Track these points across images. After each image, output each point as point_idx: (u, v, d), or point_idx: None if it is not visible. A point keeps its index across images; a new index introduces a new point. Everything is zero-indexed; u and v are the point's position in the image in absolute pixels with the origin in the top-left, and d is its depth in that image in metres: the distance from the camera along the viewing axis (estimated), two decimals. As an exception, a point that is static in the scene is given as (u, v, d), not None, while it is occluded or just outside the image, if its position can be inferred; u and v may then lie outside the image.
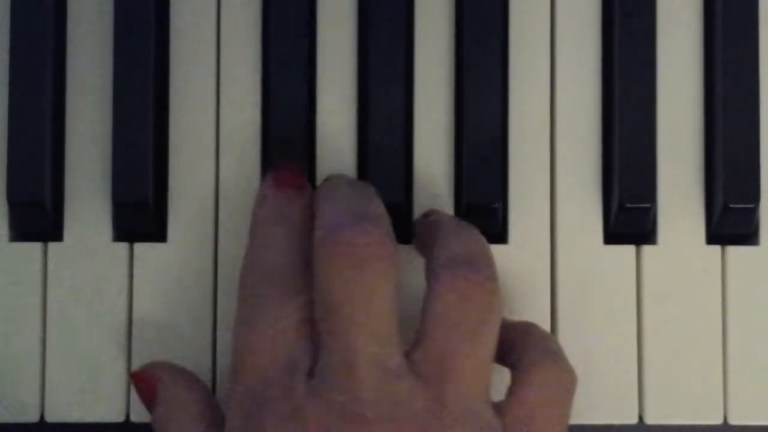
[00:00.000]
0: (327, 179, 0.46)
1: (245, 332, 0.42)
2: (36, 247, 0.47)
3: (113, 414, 0.46)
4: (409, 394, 0.40)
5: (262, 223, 0.44)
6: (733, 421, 0.47)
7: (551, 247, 0.47)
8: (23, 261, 0.47)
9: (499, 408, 0.42)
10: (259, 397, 0.40)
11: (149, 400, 0.45)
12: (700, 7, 0.48)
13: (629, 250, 0.47)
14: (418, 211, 0.47)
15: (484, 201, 0.46)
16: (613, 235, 0.47)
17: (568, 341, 0.47)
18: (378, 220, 0.42)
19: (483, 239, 0.44)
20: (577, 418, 0.47)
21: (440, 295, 0.41)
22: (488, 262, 0.43)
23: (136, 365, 0.46)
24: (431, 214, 0.47)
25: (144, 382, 0.45)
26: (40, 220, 0.46)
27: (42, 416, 0.46)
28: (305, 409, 0.39)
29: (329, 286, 0.40)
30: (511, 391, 0.42)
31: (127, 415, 0.46)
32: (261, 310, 0.42)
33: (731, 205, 0.46)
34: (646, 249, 0.47)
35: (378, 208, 0.43)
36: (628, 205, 0.46)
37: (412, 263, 0.46)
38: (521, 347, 0.43)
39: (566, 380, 0.43)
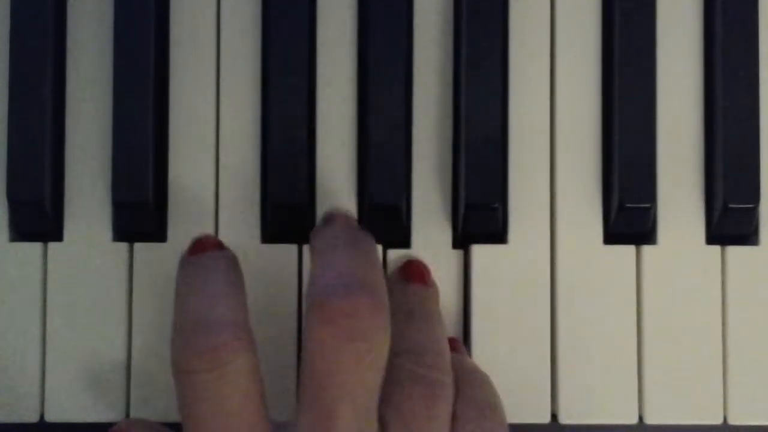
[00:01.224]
0: (327, 219, 0.44)
1: (189, 415, 0.39)
2: (36, 247, 0.47)
3: (113, 414, 0.46)
4: None
5: (181, 285, 0.42)
6: (733, 421, 0.47)
7: (551, 247, 0.47)
8: (23, 261, 0.47)
9: None
10: None
11: None
12: (700, 7, 0.48)
13: (629, 250, 0.47)
14: (417, 211, 0.47)
15: (484, 201, 0.46)
16: (613, 235, 0.47)
17: (568, 341, 0.47)
18: (373, 287, 0.40)
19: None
20: (577, 418, 0.47)
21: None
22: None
23: (136, 365, 0.47)
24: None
25: None
26: (40, 220, 0.46)
27: (42, 416, 0.47)
28: None
29: (318, 352, 0.39)
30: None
31: (127, 415, 0.46)
32: (196, 389, 0.39)
33: (731, 205, 0.46)
34: (646, 249, 0.47)
35: (375, 271, 0.41)
36: (628, 205, 0.46)
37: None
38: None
39: (498, 421, 0.43)
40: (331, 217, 0.44)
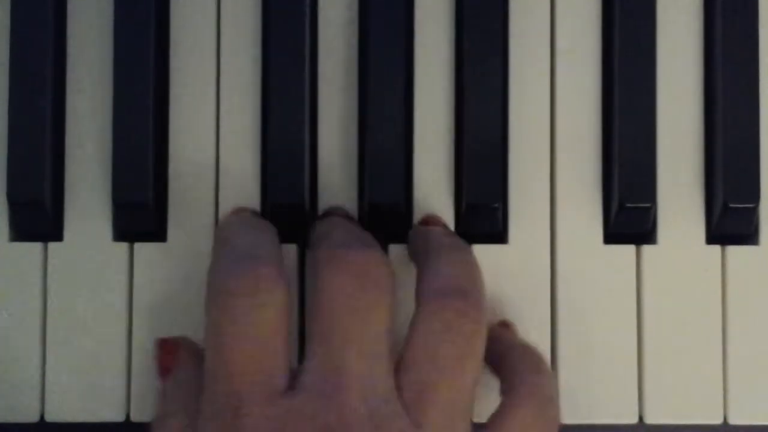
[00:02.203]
0: (327, 215, 0.47)
1: (218, 336, 0.41)
2: (36, 247, 0.47)
3: (113, 414, 0.46)
4: (392, 419, 0.40)
5: (224, 227, 0.45)
6: (733, 421, 0.47)
7: (551, 247, 0.47)
8: (23, 261, 0.47)
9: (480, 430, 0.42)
10: (234, 411, 0.40)
11: (165, 368, 0.45)
12: (700, 7, 0.48)
13: (629, 249, 0.47)
14: (417, 211, 0.47)
15: (484, 201, 0.46)
16: (613, 235, 0.47)
17: (568, 341, 0.47)
18: (380, 250, 0.43)
19: (474, 262, 0.44)
20: (577, 418, 0.47)
21: (426, 323, 0.41)
22: (477, 291, 0.43)
23: (136, 365, 0.46)
24: (429, 221, 0.47)
25: (166, 349, 0.45)
26: (40, 220, 0.46)
27: (42, 416, 0.46)
28: (286, 426, 0.39)
29: (330, 299, 0.41)
30: (494, 419, 0.42)
31: (127, 415, 0.46)
32: (231, 311, 0.41)
33: (731, 205, 0.46)
34: (646, 249, 0.47)
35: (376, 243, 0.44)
36: (628, 205, 0.46)
37: (410, 266, 0.46)
38: (511, 375, 0.43)
39: (551, 416, 0.43)
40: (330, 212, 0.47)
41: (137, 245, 0.47)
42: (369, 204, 0.46)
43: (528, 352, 0.45)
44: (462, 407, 0.41)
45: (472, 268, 0.44)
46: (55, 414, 0.46)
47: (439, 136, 0.47)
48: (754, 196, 0.46)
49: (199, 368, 0.43)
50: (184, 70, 0.47)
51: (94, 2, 0.48)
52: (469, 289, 0.42)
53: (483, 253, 0.47)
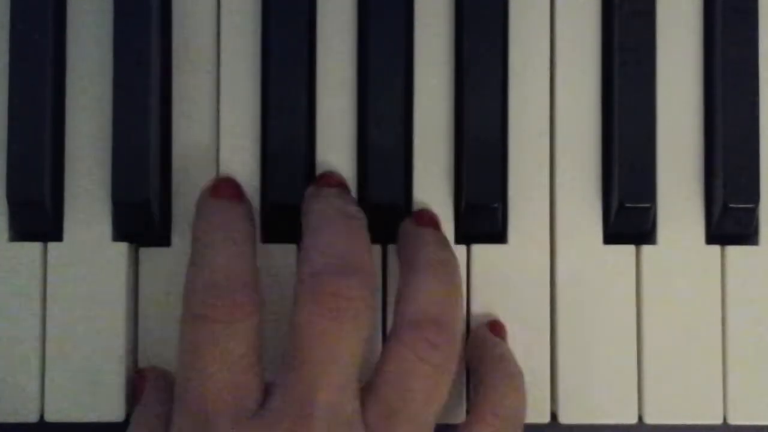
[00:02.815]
0: (322, 180, 0.46)
1: (192, 358, 0.41)
2: (36, 247, 0.47)
3: (113, 414, 0.46)
4: None
5: (202, 233, 0.44)
6: (733, 421, 0.47)
7: (551, 247, 0.47)
8: (23, 261, 0.47)
9: None
10: (202, 428, 0.41)
11: (137, 395, 0.45)
12: (700, 7, 0.48)
13: (629, 249, 0.47)
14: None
15: (484, 201, 0.46)
16: (612, 235, 0.47)
17: (568, 341, 0.47)
18: (365, 271, 0.42)
19: (457, 284, 0.44)
20: (577, 418, 0.47)
21: (398, 352, 0.42)
22: (453, 320, 0.43)
23: (136, 365, 0.47)
24: (422, 218, 0.46)
25: (138, 378, 0.46)
26: (40, 220, 0.46)
27: (42, 416, 0.46)
28: None
29: (305, 328, 0.41)
30: (469, 420, 0.44)
31: (128, 415, 0.46)
32: (206, 335, 0.41)
33: (731, 205, 0.46)
34: (646, 249, 0.47)
35: (366, 254, 0.43)
36: (628, 205, 0.46)
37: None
38: (482, 388, 0.44)
39: (520, 407, 0.44)
40: (324, 182, 0.46)
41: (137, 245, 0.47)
42: (369, 204, 0.46)
43: (503, 366, 0.45)
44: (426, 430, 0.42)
45: (452, 293, 0.44)
46: (55, 414, 0.46)
47: (439, 136, 0.47)
48: (754, 196, 0.46)
49: (169, 394, 0.44)
50: (185, 70, 0.47)
51: (94, 2, 0.48)
52: (444, 319, 0.43)
53: (483, 253, 0.47)
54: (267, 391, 0.42)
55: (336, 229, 0.43)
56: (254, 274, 0.43)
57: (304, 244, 0.43)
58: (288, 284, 0.47)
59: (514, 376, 0.45)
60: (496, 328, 0.46)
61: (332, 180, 0.46)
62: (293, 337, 0.41)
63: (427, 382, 0.42)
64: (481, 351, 0.45)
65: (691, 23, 0.48)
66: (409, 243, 0.45)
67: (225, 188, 0.46)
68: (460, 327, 0.44)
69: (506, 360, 0.45)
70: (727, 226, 0.47)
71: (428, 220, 0.46)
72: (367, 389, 0.42)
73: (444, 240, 0.46)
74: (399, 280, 0.44)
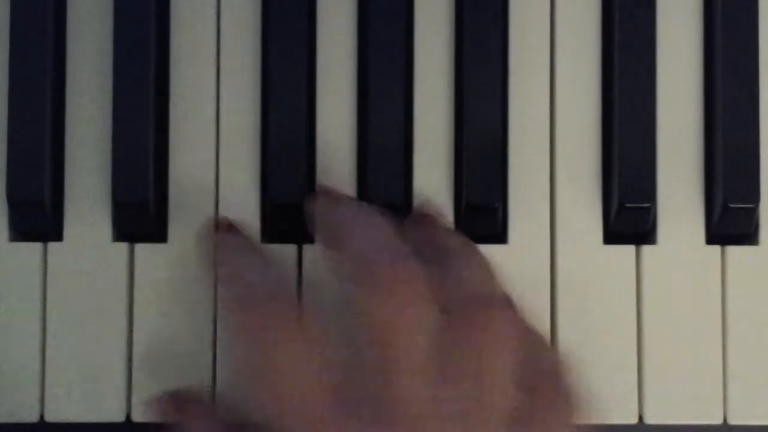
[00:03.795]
0: (325, 195, 0.46)
1: (247, 367, 0.41)
2: (36, 247, 0.47)
3: (113, 414, 0.46)
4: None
5: (227, 251, 0.45)
6: (733, 421, 0.47)
7: (551, 247, 0.47)
8: (23, 261, 0.47)
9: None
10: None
11: (168, 426, 0.45)
12: (700, 7, 0.48)
13: (629, 250, 0.47)
14: (418, 211, 0.47)
15: (484, 201, 0.46)
16: (613, 235, 0.47)
17: (568, 341, 0.47)
18: (405, 250, 0.42)
19: (484, 259, 0.44)
20: (576, 418, 0.47)
21: (462, 333, 0.41)
22: (501, 290, 0.43)
23: (136, 366, 0.47)
24: (425, 216, 0.46)
25: (167, 406, 0.45)
26: (40, 220, 0.46)
27: (42, 416, 0.46)
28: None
29: (366, 314, 0.40)
30: None
31: (127, 415, 0.46)
32: (265, 346, 0.41)
33: (731, 205, 0.46)
34: (646, 249, 0.47)
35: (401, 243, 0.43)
36: (628, 205, 0.46)
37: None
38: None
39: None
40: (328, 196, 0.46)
41: (137, 245, 0.47)
42: (369, 204, 0.46)
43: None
44: None
45: (486, 268, 0.44)
46: (55, 414, 0.46)
47: (439, 136, 0.47)
48: (754, 196, 0.46)
49: (203, 414, 0.44)
50: (184, 70, 0.47)
51: (94, 2, 0.48)
52: (494, 292, 0.43)
53: (485, 250, 0.47)
54: None
55: (367, 227, 0.44)
56: (290, 284, 0.44)
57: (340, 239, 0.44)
58: (290, 284, 0.47)
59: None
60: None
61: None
62: (354, 328, 0.41)
63: (498, 354, 0.41)
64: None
65: (691, 23, 0.48)
66: (420, 235, 0.45)
67: (222, 224, 0.46)
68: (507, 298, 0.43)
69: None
70: (727, 226, 0.47)
71: (432, 216, 0.47)
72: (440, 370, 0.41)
73: (453, 231, 0.46)
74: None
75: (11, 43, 0.46)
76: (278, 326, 0.41)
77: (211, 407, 0.46)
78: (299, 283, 0.47)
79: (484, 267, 0.44)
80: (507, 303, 0.42)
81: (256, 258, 0.45)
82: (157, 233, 0.47)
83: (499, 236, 0.47)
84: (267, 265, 0.44)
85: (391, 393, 0.40)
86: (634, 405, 0.47)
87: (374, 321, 0.40)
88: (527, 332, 0.43)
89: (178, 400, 0.45)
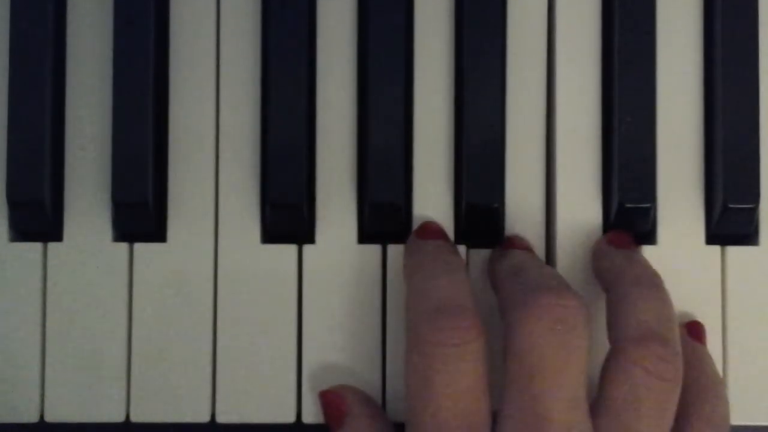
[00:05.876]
0: (507, 255, 0.46)
1: (425, 384, 0.41)
2: (36, 247, 0.47)
3: (113, 414, 0.46)
4: None
5: (420, 266, 0.44)
6: (733, 421, 0.47)
7: (551, 246, 0.47)
8: (23, 261, 0.47)
9: None
10: None
11: (334, 422, 0.45)
12: (700, 7, 0.48)
13: (629, 250, 0.47)
14: (418, 212, 0.47)
15: (484, 201, 0.46)
16: (613, 235, 0.47)
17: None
18: (570, 288, 0.42)
19: (669, 300, 0.44)
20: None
21: (626, 370, 0.42)
22: (676, 335, 0.43)
23: (136, 365, 0.46)
24: (617, 239, 0.46)
25: (332, 403, 0.45)
26: (40, 220, 0.46)
27: (42, 416, 0.47)
28: None
29: (530, 346, 0.41)
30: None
31: (127, 415, 0.46)
32: (437, 361, 0.41)
33: (731, 205, 0.46)
34: (646, 249, 0.47)
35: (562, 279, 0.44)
36: (628, 205, 0.46)
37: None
38: (691, 399, 0.44)
39: (727, 415, 0.45)
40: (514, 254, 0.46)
41: (137, 245, 0.47)
42: (369, 204, 0.46)
43: (708, 375, 0.45)
44: None
45: (668, 308, 0.44)
46: (55, 414, 0.46)
47: (439, 136, 0.47)
48: (754, 196, 0.46)
49: (371, 416, 0.45)
50: (184, 70, 0.47)
51: (94, 2, 0.48)
52: (668, 333, 0.42)
53: (483, 253, 0.47)
54: (494, 417, 0.42)
55: (530, 262, 0.45)
56: (474, 300, 0.43)
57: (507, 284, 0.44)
58: (288, 285, 0.47)
59: (719, 384, 0.45)
60: (694, 329, 0.46)
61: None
62: (516, 354, 0.41)
63: (660, 397, 0.41)
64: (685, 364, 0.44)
65: (691, 23, 0.48)
66: (612, 262, 0.45)
67: (431, 229, 0.46)
68: (680, 342, 0.43)
69: (708, 369, 0.45)
70: (727, 226, 0.47)
71: (625, 240, 0.46)
72: (596, 408, 0.42)
73: (638, 256, 0.46)
74: (608, 298, 0.44)
75: (11, 43, 0.46)
76: (461, 344, 0.41)
77: (378, 407, 0.46)
78: (299, 283, 0.47)
79: (664, 305, 0.44)
80: (677, 347, 0.42)
81: (455, 273, 0.44)
82: (157, 233, 0.47)
83: (500, 236, 0.47)
84: (463, 278, 0.44)
85: (547, 422, 0.40)
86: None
87: (524, 345, 0.41)
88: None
89: (344, 396, 0.46)
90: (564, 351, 0.41)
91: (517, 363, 0.41)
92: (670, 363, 0.42)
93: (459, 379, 0.41)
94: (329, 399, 0.45)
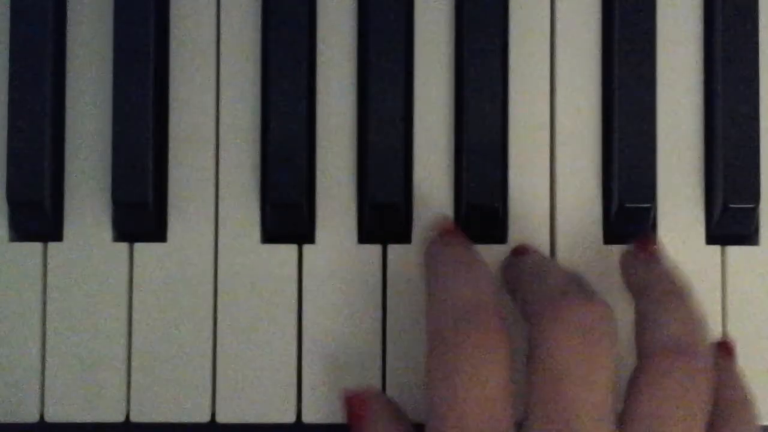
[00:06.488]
0: (524, 260, 0.45)
1: (449, 388, 0.40)
2: (36, 247, 0.47)
3: (113, 414, 0.46)
4: None
5: (443, 266, 0.43)
6: (733, 420, 0.47)
7: (551, 247, 0.47)
8: (23, 261, 0.47)
9: None
10: None
11: (356, 423, 0.44)
12: (700, 7, 0.48)
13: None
14: (418, 211, 0.47)
15: (484, 201, 0.46)
16: (613, 235, 0.47)
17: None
18: (599, 295, 0.42)
19: (699, 310, 0.43)
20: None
21: (655, 383, 0.41)
22: (706, 346, 0.42)
23: (136, 365, 0.46)
24: (644, 248, 0.45)
25: (355, 405, 0.44)
26: (40, 220, 0.46)
27: (42, 416, 0.47)
28: None
29: (553, 356, 0.40)
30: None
31: (127, 415, 0.46)
32: (462, 363, 0.40)
33: (731, 205, 0.46)
34: (646, 249, 0.47)
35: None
36: (628, 205, 0.46)
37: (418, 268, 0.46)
38: (723, 411, 0.43)
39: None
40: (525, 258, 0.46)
41: (137, 245, 0.47)
42: (369, 204, 0.46)
43: (739, 393, 0.44)
44: None
45: (698, 321, 0.43)
46: (55, 414, 0.46)
47: (439, 136, 0.47)
48: (754, 196, 0.46)
49: (392, 420, 0.44)
50: (184, 70, 0.47)
51: (94, 2, 0.48)
52: (698, 345, 0.42)
53: (483, 253, 0.47)
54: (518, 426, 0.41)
55: (553, 266, 0.44)
56: (498, 303, 0.42)
57: (530, 288, 0.43)
58: (288, 284, 0.47)
59: (750, 404, 0.44)
60: (725, 347, 0.46)
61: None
62: (539, 365, 0.40)
63: (689, 411, 0.40)
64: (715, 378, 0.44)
65: (691, 23, 0.48)
66: (639, 273, 0.45)
67: (450, 228, 0.45)
68: (711, 355, 0.43)
69: (740, 385, 0.45)
70: (727, 226, 0.47)
71: (651, 249, 0.45)
72: (624, 419, 0.41)
73: (668, 267, 0.45)
74: (636, 309, 0.44)
75: (11, 43, 0.46)
76: (485, 349, 0.40)
77: (400, 412, 0.45)
78: (299, 283, 0.47)
79: (694, 316, 0.43)
80: (707, 360, 0.42)
81: (480, 274, 0.43)
82: (157, 233, 0.47)
83: (499, 236, 0.47)
84: (489, 279, 0.43)
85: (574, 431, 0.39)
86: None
87: (548, 354, 0.40)
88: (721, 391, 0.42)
89: (367, 399, 0.45)
90: (591, 358, 0.40)
91: (542, 371, 0.40)
92: (701, 376, 0.41)
93: (484, 384, 0.40)
94: (353, 402, 0.45)
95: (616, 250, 0.47)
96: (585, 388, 0.39)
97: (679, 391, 0.40)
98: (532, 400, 0.40)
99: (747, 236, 0.48)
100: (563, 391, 0.39)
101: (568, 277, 0.43)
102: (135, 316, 0.47)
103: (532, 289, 0.43)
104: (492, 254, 0.47)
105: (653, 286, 0.44)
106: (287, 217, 0.46)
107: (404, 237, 0.47)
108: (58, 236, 0.47)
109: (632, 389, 0.41)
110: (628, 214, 0.46)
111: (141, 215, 0.46)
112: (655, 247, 0.45)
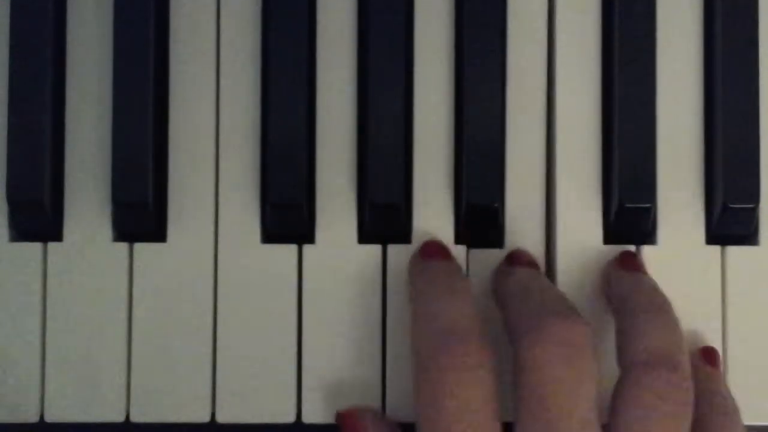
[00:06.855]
0: (513, 274, 0.46)
1: (436, 410, 0.41)
2: (36, 247, 0.47)
3: (113, 414, 0.46)
4: None
5: (425, 287, 0.44)
6: (733, 421, 0.47)
7: (547, 247, 0.47)
8: (23, 261, 0.47)
9: None
10: None
11: None
12: (700, 7, 0.48)
13: (629, 249, 0.47)
14: (418, 211, 0.47)
15: (484, 201, 0.46)
16: (613, 235, 0.47)
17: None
18: (578, 314, 0.43)
19: (678, 324, 0.44)
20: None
21: (636, 395, 0.41)
22: (686, 359, 0.43)
23: (136, 365, 0.46)
24: (628, 262, 0.46)
25: (350, 424, 0.45)
26: (40, 220, 0.46)
27: (42, 416, 0.47)
28: None
29: (540, 370, 0.41)
30: None
31: (127, 415, 0.46)
32: (446, 385, 0.41)
33: (731, 205, 0.46)
34: (646, 249, 0.47)
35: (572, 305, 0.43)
36: (628, 205, 0.46)
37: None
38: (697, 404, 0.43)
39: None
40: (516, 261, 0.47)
41: (137, 245, 0.47)
42: (369, 204, 0.46)
43: (721, 403, 0.45)
44: None
45: (677, 334, 0.44)
46: (55, 414, 0.46)
47: (439, 136, 0.47)
48: (754, 196, 0.46)
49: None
50: (184, 70, 0.47)
51: (94, 2, 0.48)
52: (677, 358, 0.42)
53: (483, 254, 0.47)
54: None
55: (537, 285, 0.45)
56: (480, 323, 0.43)
57: (514, 310, 0.44)
58: (287, 284, 0.47)
59: (734, 411, 0.45)
60: (708, 354, 0.46)
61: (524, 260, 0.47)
62: (525, 382, 0.41)
63: (671, 423, 0.41)
64: (695, 383, 0.44)
65: (691, 23, 0.48)
66: (621, 286, 0.45)
67: (434, 248, 0.46)
68: (693, 367, 0.43)
69: (722, 395, 0.45)
70: (727, 226, 0.47)
71: (633, 263, 0.46)
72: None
73: (650, 281, 0.46)
74: (617, 322, 0.44)
75: (11, 43, 0.46)
76: (470, 370, 0.41)
77: (395, 427, 0.46)
78: (299, 283, 0.47)
79: (674, 330, 0.44)
80: (685, 372, 0.42)
81: (461, 295, 0.44)
82: (157, 233, 0.47)
83: (500, 236, 0.47)
84: (469, 300, 0.44)
85: None
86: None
87: (533, 371, 0.41)
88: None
89: (362, 417, 0.45)
90: (574, 374, 0.41)
91: (528, 387, 0.41)
92: (681, 388, 0.42)
93: (469, 403, 0.41)
94: (347, 421, 0.45)
95: (616, 250, 0.47)
96: (569, 403, 0.40)
97: (659, 403, 0.41)
98: (518, 414, 0.41)
99: (747, 236, 0.48)
100: (548, 406, 0.40)
101: (551, 295, 0.44)
102: (135, 316, 0.47)
103: (517, 308, 0.43)
104: (492, 255, 0.47)
105: (633, 300, 0.44)
106: (287, 217, 0.46)
107: (404, 237, 0.47)
108: (58, 236, 0.47)
109: (615, 402, 0.42)
110: (628, 214, 0.46)
111: (141, 215, 0.46)
112: (636, 261, 0.46)
